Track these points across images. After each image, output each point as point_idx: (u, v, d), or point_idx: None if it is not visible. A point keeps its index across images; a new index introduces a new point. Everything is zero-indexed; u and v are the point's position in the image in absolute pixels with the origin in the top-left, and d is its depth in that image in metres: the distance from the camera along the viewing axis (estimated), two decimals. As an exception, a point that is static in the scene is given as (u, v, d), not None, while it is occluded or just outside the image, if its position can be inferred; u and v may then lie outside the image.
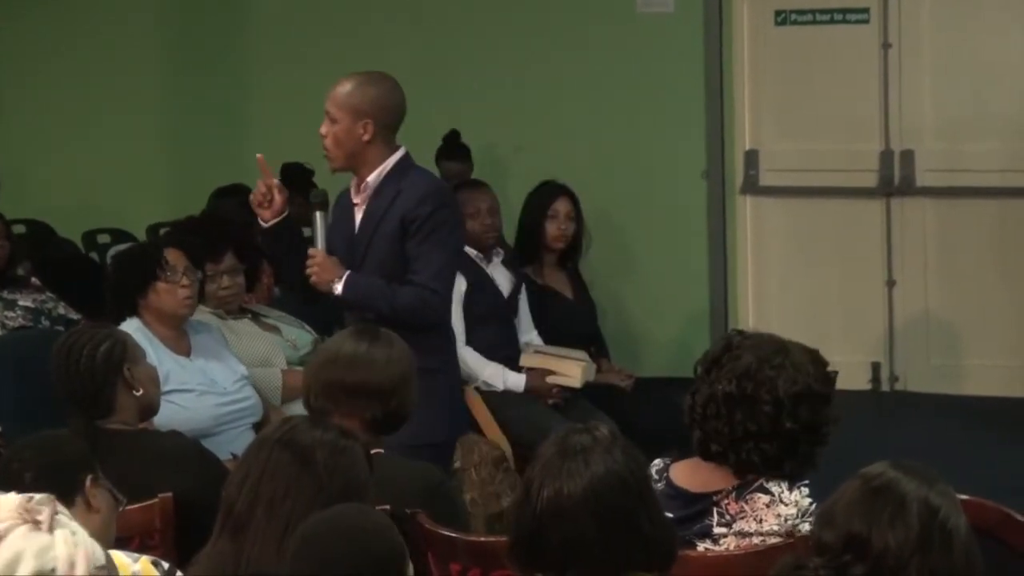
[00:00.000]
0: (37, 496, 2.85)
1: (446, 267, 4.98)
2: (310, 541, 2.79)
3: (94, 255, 8.78)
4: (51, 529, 2.83)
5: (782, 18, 8.21)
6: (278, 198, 5.00)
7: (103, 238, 9.04)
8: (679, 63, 8.39)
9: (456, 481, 5.74)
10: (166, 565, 3.14)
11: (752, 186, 8.28)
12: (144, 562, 3.07)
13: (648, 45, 8.45)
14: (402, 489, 3.72)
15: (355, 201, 5.05)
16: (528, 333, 6.65)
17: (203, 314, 5.68)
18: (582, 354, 6.53)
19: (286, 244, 5.09)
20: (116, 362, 4.27)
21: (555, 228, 6.74)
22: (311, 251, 4.97)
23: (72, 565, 2.82)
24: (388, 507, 3.54)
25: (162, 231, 8.53)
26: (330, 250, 5.00)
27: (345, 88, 4.97)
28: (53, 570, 2.79)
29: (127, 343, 4.37)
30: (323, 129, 4.97)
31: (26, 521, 2.82)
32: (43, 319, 6.19)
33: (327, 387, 3.94)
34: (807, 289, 8.19)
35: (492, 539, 3.60)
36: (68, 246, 8.70)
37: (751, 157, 8.27)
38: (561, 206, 6.76)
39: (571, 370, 6.41)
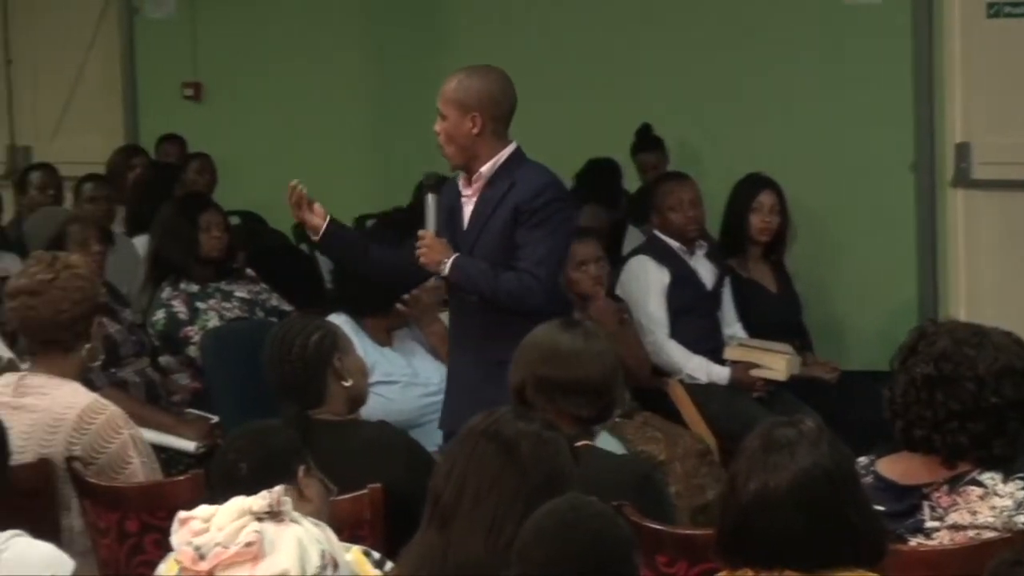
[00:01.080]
0: (275, 490, 2.92)
1: (551, 255, 4.94)
2: (539, 537, 2.79)
3: (304, 247, 8.93)
4: (293, 520, 2.91)
5: (994, 10, 8.03)
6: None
7: (313, 230, 9.17)
8: (887, 55, 8.28)
9: (661, 474, 5.75)
10: (376, 555, 3.19)
11: (963, 179, 8.12)
12: (356, 551, 3.12)
13: (855, 36, 8.35)
14: (610, 481, 3.71)
15: (465, 194, 5.03)
16: (732, 326, 6.62)
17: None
18: (787, 347, 6.48)
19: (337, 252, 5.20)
20: (327, 352, 4.33)
21: (759, 220, 6.69)
22: (421, 232, 4.95)
23: (330, 543, 2.91)
24: (593, 499, 3.55)
25: (368, 223, 8.67)
26: (438, 232, 4.99)
27: (451, 84, 4.95)
28: (325, 551, 2.87)
29: (337, 334, 4.44)
30: (436, 127, 4.96)
31: (264, 517, 2.89)
32: (258, 310, 6.27)
33: (543, 383, 3.91)
34: (1022, 283, 8.03)
35: (699, 532, 3.59)
36: (279, 238, 8.85)
37: (962, 150, 8.11)
38: (766, 199, 6.71)
39: (776, 363, 6.37)
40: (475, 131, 4.90)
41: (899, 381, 3.56)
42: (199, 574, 2.89)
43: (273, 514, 2.90)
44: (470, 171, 4.98)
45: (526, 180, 4.93)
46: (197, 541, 2.90)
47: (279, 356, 4.33)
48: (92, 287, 4.43)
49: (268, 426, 3.58)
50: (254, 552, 2.85)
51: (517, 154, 4.99)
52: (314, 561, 2.85)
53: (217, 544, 2.88)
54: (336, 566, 2.91)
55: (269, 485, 3.05)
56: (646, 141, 8.49)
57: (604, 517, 2.83)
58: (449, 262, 4.89)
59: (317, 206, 5.07)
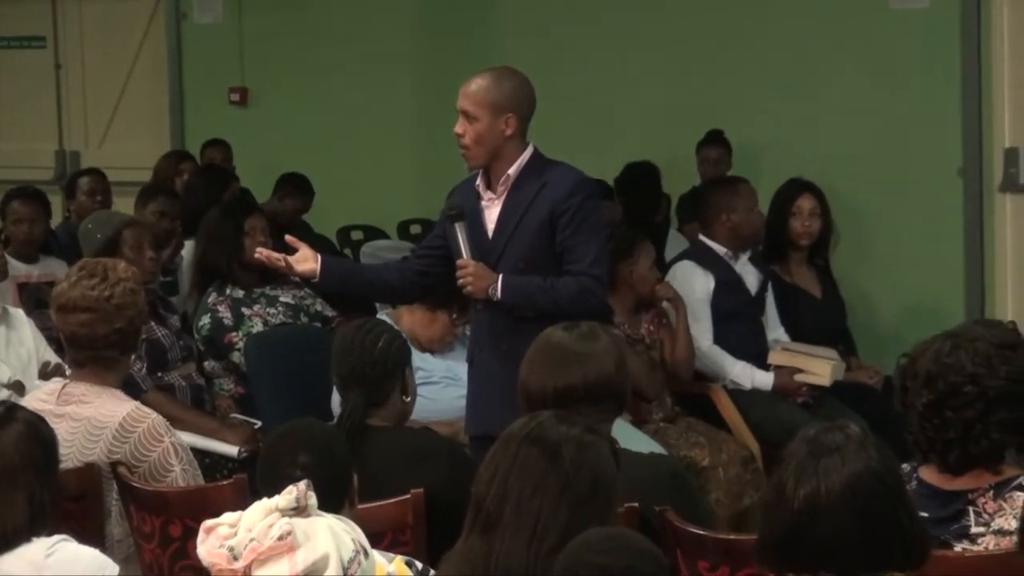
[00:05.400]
0: (299, 486, 2.91)
1: (602, 253, 4.89)
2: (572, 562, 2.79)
3: (348, 252, 8.95)
4: (318, 514, 2.91)
5: (1044, 14, 8.01)
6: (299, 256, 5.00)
7: (356, 234, 9.22)
8: (934, 59, 8.25)
9: (702, 479, 5.74)
10: (419, 565, 3.16)
11: (1012, 184, 8.08)
12: (398, 562, 3.10)
13: (902, 40, 8.33)
14: (643, 481, 3.69)
15: (486, 197, 4.93)
16: (775, 331, 6.60)
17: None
18: (832, 352, 6.46)
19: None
20: (405, 358, 4.34)
21: (799, 225, 6.67)
22: (460, 261, 4.82)
23: (356, 532, 2.91)
24: (636, 504, 3.54)
25: (412, 228, 8.68)
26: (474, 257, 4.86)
27: (481, 85, 4.86)
28: (355, 539, 2.87)
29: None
30: (459, 128, 4.87)
31: (291, 513, 2.88)
32: (302, 315, 6.28)
33: (564, 392, 3.77)
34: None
35: (742, 537, 3.58)
36: (323, 243, 8.88)
37: (1011, 155, 8.07)
38: (804, 203, 6.68)
39: (820, 368, 6.35)
40: (508, 132, 4.85)
41: (911, 422, 3.55)
42: (235, 573, 2.85)
43: (299, 510, 2.88)
44: (493, 174, 4.92)
45: (559, 180, 4.87)
46: (230, 543, 2.86)
47: (362, 346, 4.27)
48: (142, 299, 4.43)
49: (324, 435, 3.45)
50: (289, 544, 2.82)
51: (538, 155, 4.94)
52: (349, 545, 2.85)
53: (252, 540, 2.84)
54: (367, 552, 2.90)
55: (326, 478, 3.07)
56: (714, 137, 8.57)
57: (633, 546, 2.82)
58: (499, 285, 4.80)
59: (302, 251, 4.99)
